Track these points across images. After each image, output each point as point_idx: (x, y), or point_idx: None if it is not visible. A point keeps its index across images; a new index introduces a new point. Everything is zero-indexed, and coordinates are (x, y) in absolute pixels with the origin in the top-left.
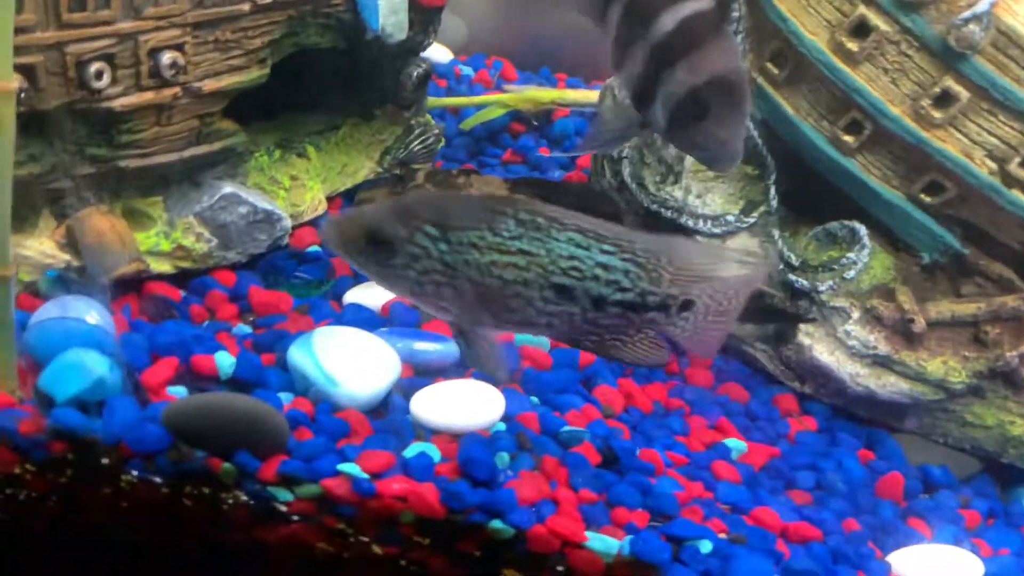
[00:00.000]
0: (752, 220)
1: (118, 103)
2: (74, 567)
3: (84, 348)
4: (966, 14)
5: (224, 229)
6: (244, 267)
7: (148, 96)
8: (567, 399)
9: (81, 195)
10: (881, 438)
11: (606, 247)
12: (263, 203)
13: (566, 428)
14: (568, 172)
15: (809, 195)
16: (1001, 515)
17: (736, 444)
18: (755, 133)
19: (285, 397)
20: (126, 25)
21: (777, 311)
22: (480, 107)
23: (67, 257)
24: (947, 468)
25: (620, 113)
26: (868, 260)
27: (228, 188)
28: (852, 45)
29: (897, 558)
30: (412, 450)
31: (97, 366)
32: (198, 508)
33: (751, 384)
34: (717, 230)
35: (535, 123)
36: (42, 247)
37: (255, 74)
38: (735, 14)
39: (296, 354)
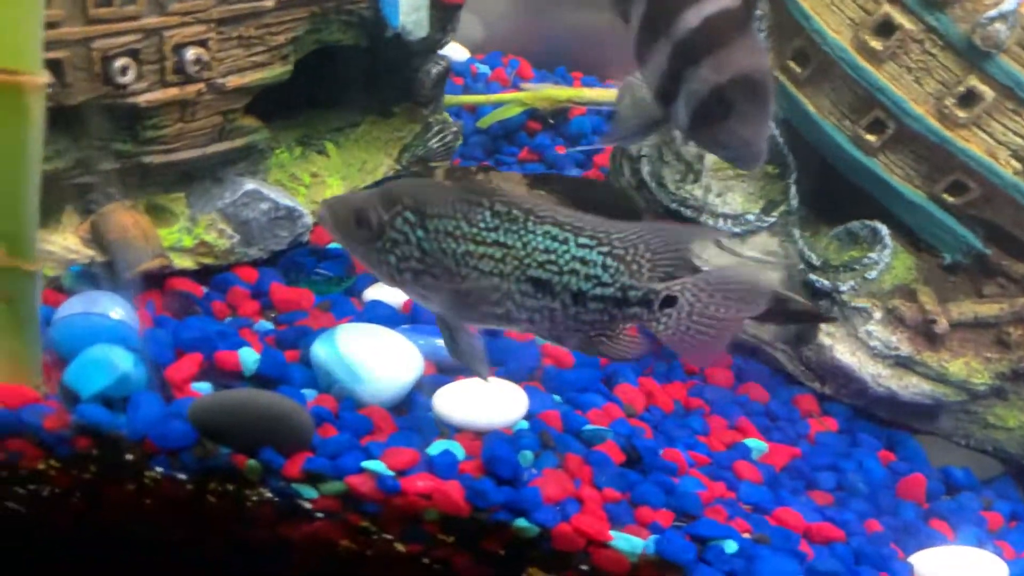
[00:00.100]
0: (772, 219)
1: (143, 99)
2: (97, 564)
3: (109, 344)
4: (992, 12)
5: (246, 225)
6: (265, 263)
7: (172, 92)
8: (589, 398)
9: (105, 191)
10: (902, 439)
11: (583, 240)
12: (285, 200)
13: (588, 427)
14: (585, 171)
15: (830, 194)
16: None
17: (757, 444)
18: (776, 132)
19: (309, 393)
20: (152, 21)
21: (797, 312)
22: (497, 105)
23: (91, 253)
24: (969, 470)
25: (640, 109)
26: (890, 260)
27: (250, 185)
28: (876, 43)
29: (920, 559)
30: (436, 448)
31: (122, 362)
32: (222, 505)
33: (771, 384)
34: (737, 229)
35: (551, 121)
36: (66, 242)
37: (278, 70)
38: (758, 12)
39: (320, 350)
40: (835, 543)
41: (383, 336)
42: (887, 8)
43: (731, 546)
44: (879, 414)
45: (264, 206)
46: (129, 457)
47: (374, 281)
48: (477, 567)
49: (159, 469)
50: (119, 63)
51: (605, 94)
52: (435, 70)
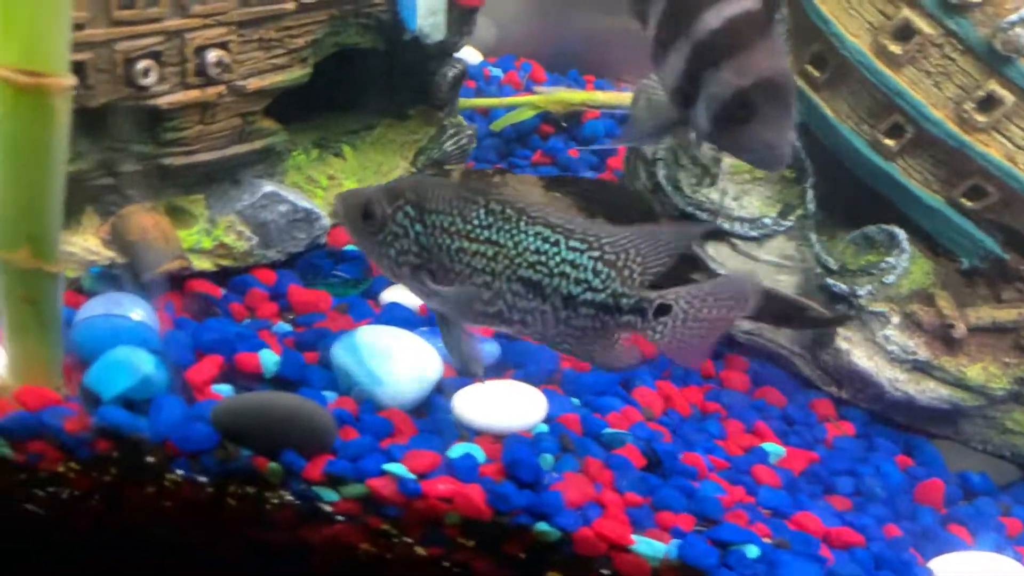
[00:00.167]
0: (789, 223)
1: (164, 101)
2: (115, 566)
3: (131, 345)
4: (1013, 17)
5: (265, 227)
6: (282, 265)
7: (193, 94)
8: (607, 401)
9: (125, 192)
10: (919, 444)
11: (573, 243)
12: (303, 202)
13: (608, 430)
14: (599, 173)
15: (846, 199)
16: None
17: (774, 448)
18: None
19: (329, 396)
20: (174, 23)
21: (812, 318)
22: (510, 108)
23: (111, 254)
24: (986, 475)
25: (655, 112)
26: (908, 265)
27: (269, 187)
28: (895, 48)
29: (939, 564)
30: (456, 451)
31: (144, 364)
32: (242, 508)
33: (787, 388)
34: (754, 233)
35: (564, 125)
36: (86, 244)
37: (297, 73)
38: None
39: (339, 353)
40: (855, 548)
41: (402, 338)
42: (907, 12)
43: (753, 551)
44: (896, 419)
45: (283, 208)
46: (150, 460)
47: (390, 283)
48: (498, 571)
49: (180, 472)
50: (141, 65)
51: (618, 97)
52: (451, 73)
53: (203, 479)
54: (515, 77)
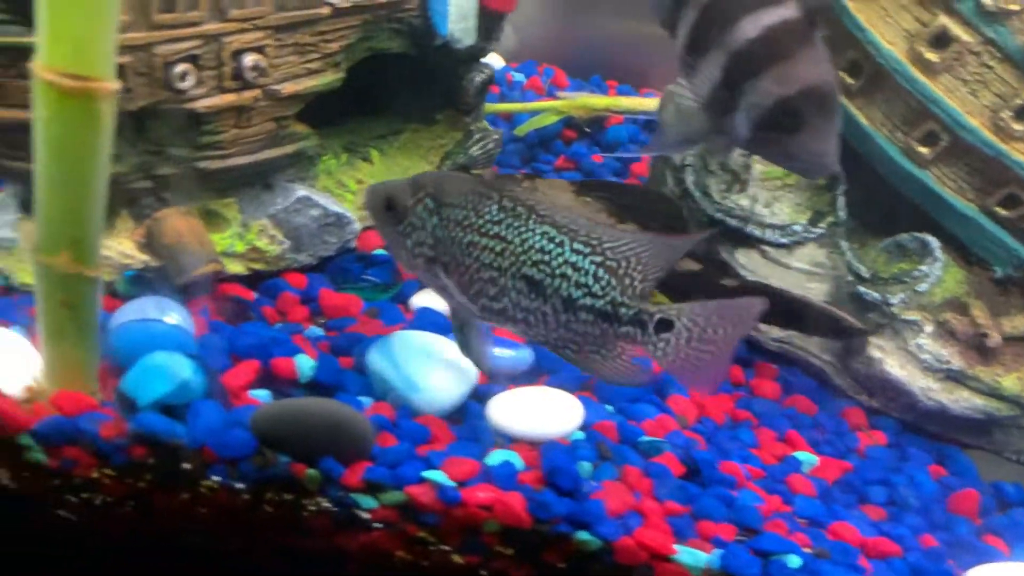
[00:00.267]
0: (820, 231)
1: (201, 104)
2: (148, 573)
3: (167, 350)
4: None
5: (297, 231)
6: (313, 270)
7: (230, 98)
8: (641, 408)
9: (161, 195)
10: (952, 454)
11: (577, 245)
12: (334, 206)
13: (645, 438)
14: (623, 179)
15: (878, 206)
16: None
17: (807, 457)
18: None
19: (365, 401)
20: (212, 27)
21: (842, 328)
22: (533, 113)
23: (145, 258)
24: (1020, 485)
25: (685, 119)
26: (941, 273)
27: (302, 191)
28: (931, 55)
29: (977, 575)
30: (495, 458)
31: (181, 369)
32: (278, 515)
33: (818, 397)
34: (784, 240)
35: (588, 130)
36: (121, 247)
37: (330, 78)
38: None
39: (375, 358)
40: (892, 558)
41: (437, 343)
42: (944, 20)
43: (794, 561)
44: (928, 428)
45: (315, 212)
46: (186, 466)
47: (420, 287)
48: None
49: (216, 478)
50: (179, 68)
51: (641, 103)
52: (479, 78)
53: (240, 485)
54: (537, 82)
